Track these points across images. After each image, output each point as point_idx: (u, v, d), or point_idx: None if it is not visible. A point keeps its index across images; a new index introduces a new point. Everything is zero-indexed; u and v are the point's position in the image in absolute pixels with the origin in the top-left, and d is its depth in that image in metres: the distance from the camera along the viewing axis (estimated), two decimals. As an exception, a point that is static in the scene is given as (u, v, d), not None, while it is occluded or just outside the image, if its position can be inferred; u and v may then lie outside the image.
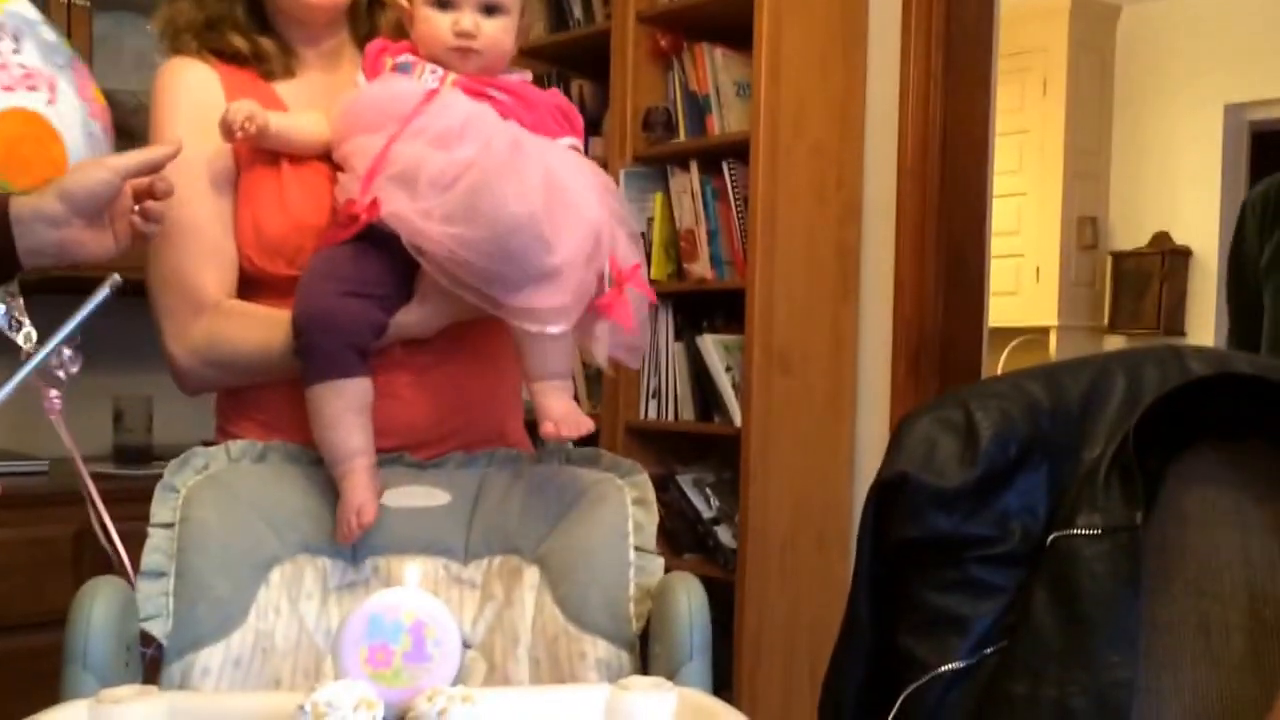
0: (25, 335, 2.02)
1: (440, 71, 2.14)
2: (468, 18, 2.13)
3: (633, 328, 2.07)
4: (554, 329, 1.99)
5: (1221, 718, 1.73)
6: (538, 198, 1.96)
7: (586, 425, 2.02)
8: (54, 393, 2.04)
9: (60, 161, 1.98)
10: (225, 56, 2.26)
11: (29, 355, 2.00)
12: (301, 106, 2.26)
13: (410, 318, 2.08)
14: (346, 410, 2.02)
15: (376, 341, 2.05)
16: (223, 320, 2.16)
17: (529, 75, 2.23)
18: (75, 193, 1.88)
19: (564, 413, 2.03)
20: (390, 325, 2.06)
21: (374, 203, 1.98)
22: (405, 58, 2.17)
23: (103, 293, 1.95)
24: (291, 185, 2.19)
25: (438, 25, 2.13)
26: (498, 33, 2.16)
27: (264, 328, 2.12)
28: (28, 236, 1.85)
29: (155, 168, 1.98)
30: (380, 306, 2.04)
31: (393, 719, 1.45)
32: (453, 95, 2.10)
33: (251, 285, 2.20)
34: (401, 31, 2.22)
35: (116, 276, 1.93)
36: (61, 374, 2.04)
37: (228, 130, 2.08)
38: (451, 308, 2.08)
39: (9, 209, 1.86)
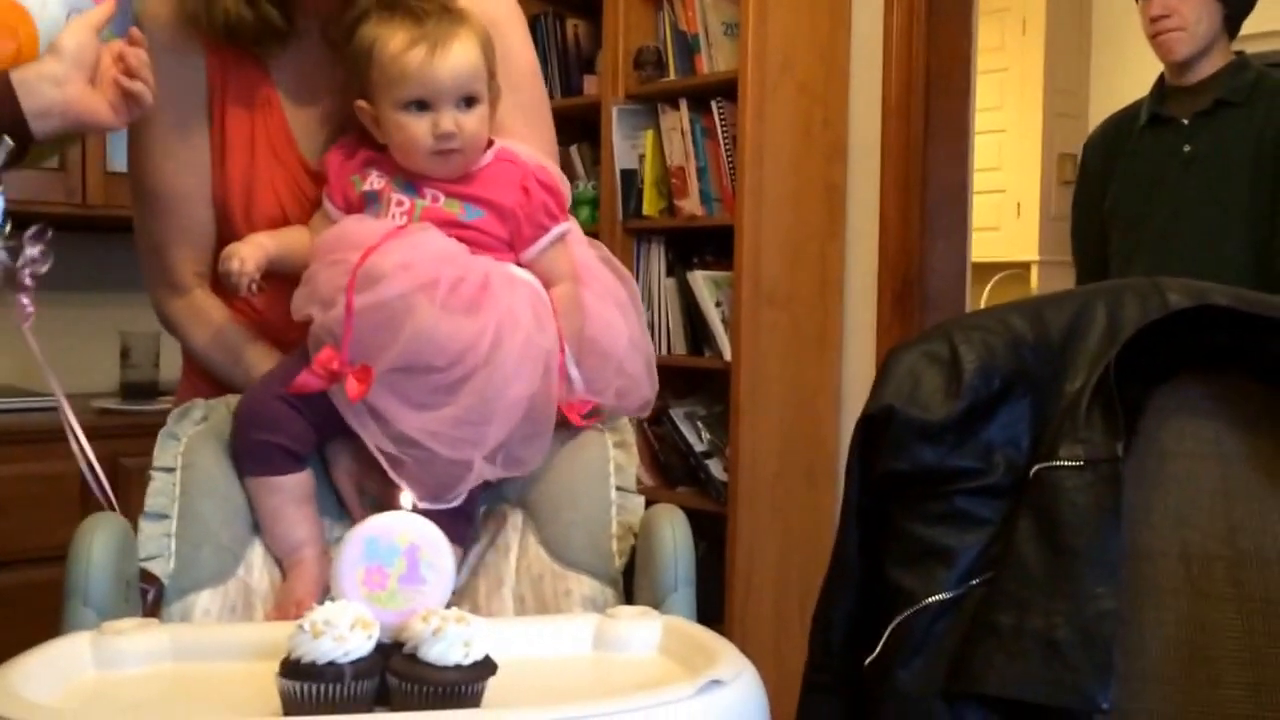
0: None
1: (406, 204, 2.02)
2: (447, 118, 1.98)
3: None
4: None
5: (1204, 647, 1.72)
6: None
7: None
8: (24, 299, 2.00)
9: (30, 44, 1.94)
10: (216, 27, 2.09)
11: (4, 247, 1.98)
12: (293, 90, 2.18)
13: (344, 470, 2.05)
14: (287, 503, 1.99)
15: (309, 450, 2.01)
16: (191, 318, 2.22)
17: (502, 145, 2.10)
18: (65, 45, 1.86)
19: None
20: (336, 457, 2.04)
21: (365, 375, 1.90)
22: (372, 184, 2.05)
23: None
24: (256, 184, 2.17)
25: (415, 131, 1.99)
26: (477, 124, 2.02)
27: (221, 350, 2.18)
28: (33, 97, 1.82)
29: (108, 19, 1.94)
30: (313, 424, 1.98)
31: (388, 639, 1.45)
32: (421, 235, 1.98)
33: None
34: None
35: (9, 140, 1.89)
36: (29, 279, 2.00)
37: (236, 290, 2.03)
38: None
39: (9, 76, 1.83)
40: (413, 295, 1.89)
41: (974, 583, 1.76)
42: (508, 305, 1.95)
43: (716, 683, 1.42)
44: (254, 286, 2.02)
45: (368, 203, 2.04)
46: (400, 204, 2.02)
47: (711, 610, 4.12)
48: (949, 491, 1.80)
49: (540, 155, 2.16)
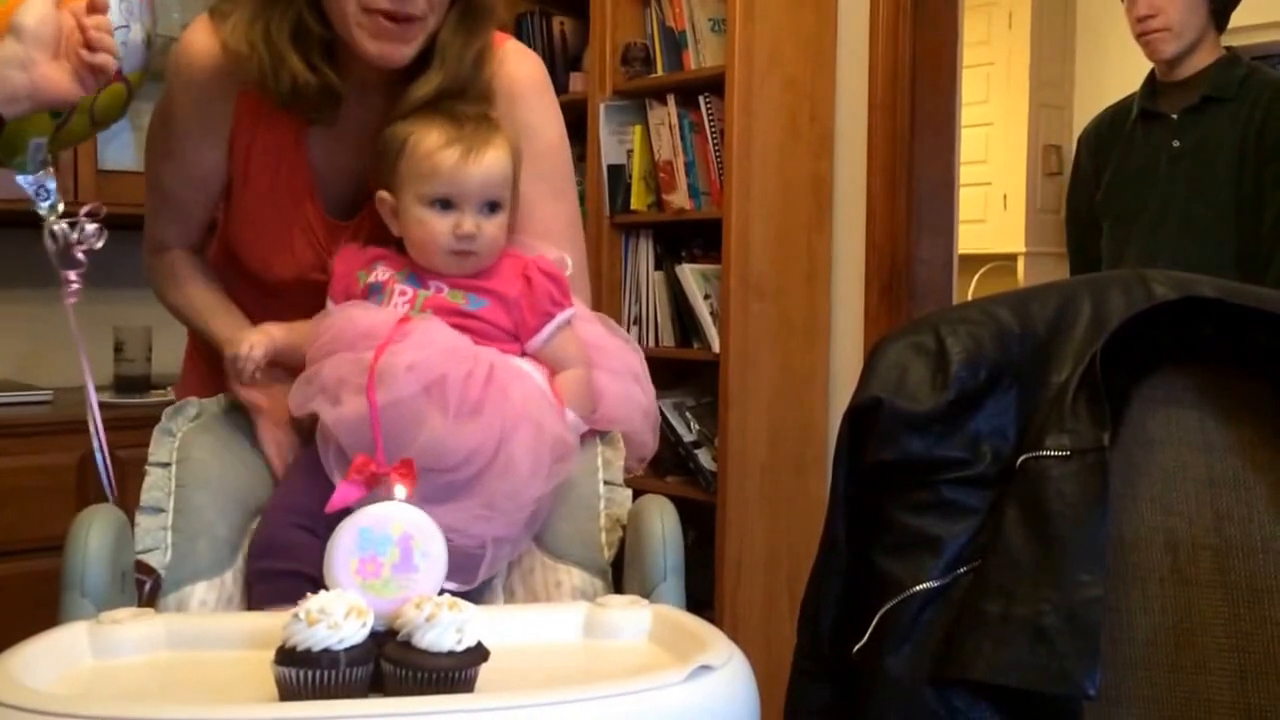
0: (51, 206, 2.01)
1: (409, 293, 2.03)
2: (470, 220, 2.01)
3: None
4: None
5: (1190, 634, 1.73)
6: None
7: None
8: (73, 275, 2.02)
9: None
10: (283, 93, 2.09)
11: (50, 225, 1.99)
12: (323, 141, 2.19)
13: None
14: None
15: None
16: (165, 276, 2.29)
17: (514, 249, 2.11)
18: (25, 25, 1.82)
19: None
20: None
21: (408, 470, 1.81)
22: (377, 276, 2.06)
23: None
24: (273, 229, 2.21)
25: (436, 229, 2.01)
26: (497, 230, 2.05)
27: (189, 310, 2.27)
28: (1, 85, 1.81)
29: None
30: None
31: (382, 626, 1.46)
32: (426, 329, 1.97)
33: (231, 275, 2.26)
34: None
35: None
36: (81, 254, 2.02)
37: (239, 376, 2.06)
38: None
39: None
40: (423, 400, 1.88)
41: (961, 571, 1.76)
42: (514, 399, 1.95)
43: (706, 668, 1.43)
44: (257, 374, 2.04)
45: (370, 294, 2.05)
46: (404, 293, 2.03)
47: (702, 598, 4.12)
48: (936, 481, 1.81)
49: (560, 236, 2.20)
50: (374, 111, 2.14)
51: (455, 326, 2.00)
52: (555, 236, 2.20)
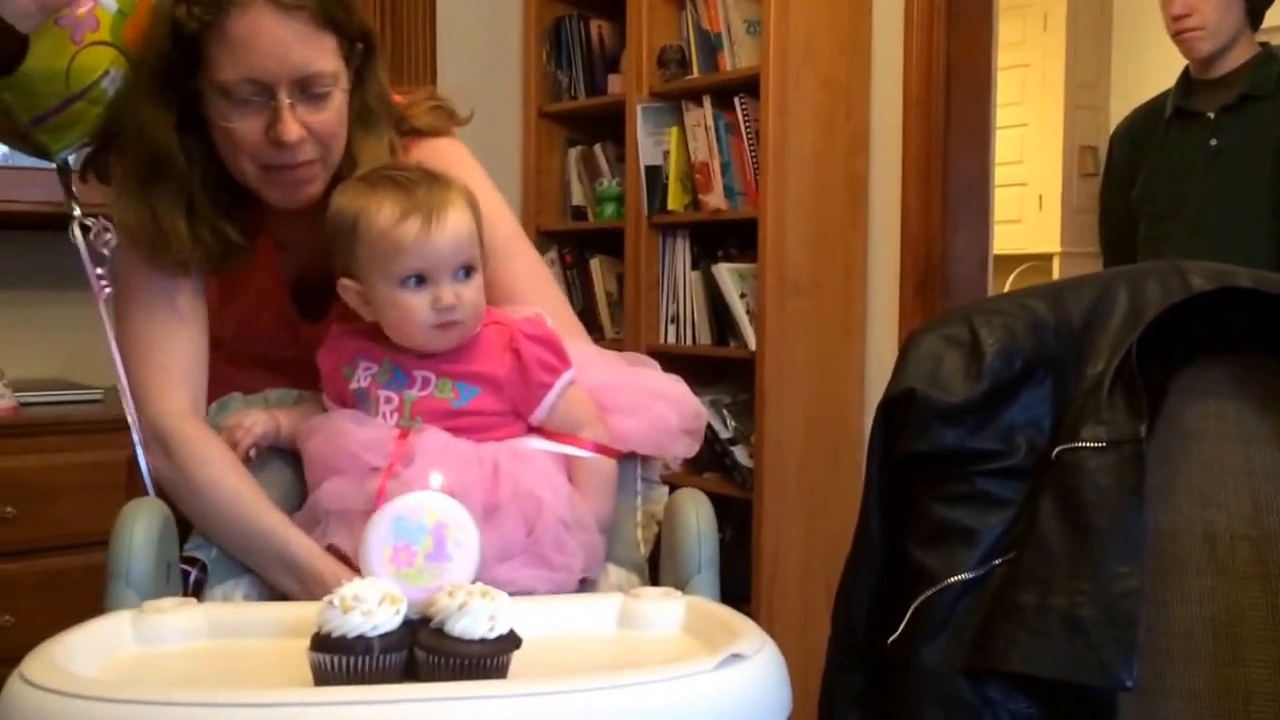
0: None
1: (395, 400, 1.89)
2: (448, 291, 1.85)
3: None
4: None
5: (1228, 625, 1.71)
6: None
7: None
8: (99, 272, 2.01)
9: None
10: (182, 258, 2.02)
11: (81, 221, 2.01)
12: (284, 236, 2.14)
13: None
14: None
15: None
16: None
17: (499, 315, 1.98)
18: None
19: None
20: None
21: None
22: (359, 381, 1.93)
23: None
24: (245, 329, 2.19)
25: (414, 308, 1.85)
26: (476, 294, 1.88)
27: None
28: (8, 4, 1.78)
29: None
30: None
31: (416, 614, 1.45)
32: (425, 449, 1.85)
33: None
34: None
35: None
36: (106, 251, 2.01)
37: (232, 447, 1.96)
38: None
39: None
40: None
41: (996, 563, 1.75)
42: (527, 487, 1.87)
43: (737, 657, 1.42)
44: (252, 453, 1.97)
45: (358, 400, 1.94)
46: (389, 401, 1.91)
47: (740, 592, 4.12)
48: (971, 473, 1.80)
49: (523, 293, 2.11)
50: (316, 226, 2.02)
51: (450, 429, 1.89)
52: (518, 296, 2.09)
